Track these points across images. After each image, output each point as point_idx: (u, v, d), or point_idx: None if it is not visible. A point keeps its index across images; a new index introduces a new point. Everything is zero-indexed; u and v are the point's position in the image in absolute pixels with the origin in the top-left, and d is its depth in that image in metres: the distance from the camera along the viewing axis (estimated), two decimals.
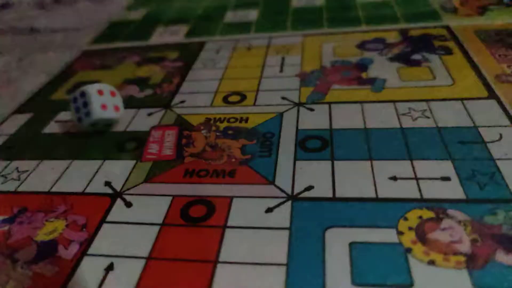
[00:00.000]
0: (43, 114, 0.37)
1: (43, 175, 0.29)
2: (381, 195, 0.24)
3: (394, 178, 0.25)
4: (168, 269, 0.21)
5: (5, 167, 0.31)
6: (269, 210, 0.24)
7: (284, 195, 0.25)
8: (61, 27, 0.59)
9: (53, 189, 0.28)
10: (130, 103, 0.37)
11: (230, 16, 0.54)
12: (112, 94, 0.33)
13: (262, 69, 0.39)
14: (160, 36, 0.51)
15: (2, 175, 0.30)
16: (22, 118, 0.37)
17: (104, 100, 0.32)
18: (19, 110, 0.39)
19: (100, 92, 0.32)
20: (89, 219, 0.25)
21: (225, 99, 0.35)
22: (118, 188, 0.27)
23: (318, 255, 0.21)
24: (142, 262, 0.22)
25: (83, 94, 0.32)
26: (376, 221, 0.22)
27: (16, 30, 0.60)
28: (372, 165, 0.26)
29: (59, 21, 0.61)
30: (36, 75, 0.46)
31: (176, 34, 0.51)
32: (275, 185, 0.26)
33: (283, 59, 0.41)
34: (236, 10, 0.56)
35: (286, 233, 0.22)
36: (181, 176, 0.27)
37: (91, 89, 0.31)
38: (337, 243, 0.21)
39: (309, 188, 0.25)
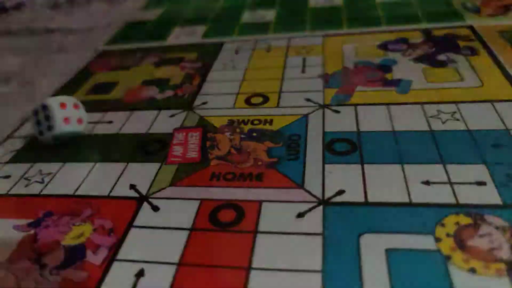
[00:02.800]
0: None
1: (67, 178, 0.29)
2: (415, 200, 0.23)
3: (427, 183, 0.24)
4: (201, 275, 0.21)
5: (28, 169, 0.30)
6: (300, 215, 0.23)
7: (314, 199, 0.24)
8: (76, 28, 0.59)
9: (78, 192, 0.28)
10: (151, 104, 0.37)
11: (248, 16, 0.54)
12: (75, 107, 0.32)
13: (283, 70, 0.39)
14: (177, 37, 0.51)
15: (26, 178, 0.30)
16: None
17: (67, 114, 0.31)
18: None
19: (62, 106, 0.31)
20: (116, 223, 0.25)
21: (248, 101, 0.35)
22: (144, 192, 0.27)
23: (355, 262, 0.20)
24: (173, 268, 0.21)
25: (45, 107, 0.31)
26: (412, 227, 0.22)
27: (32, 31, 0.60)
28: (403, 169, 0.26)
29: (75, 22, 0.61)
30: (53, 76, 0.46)
31: (193, 35, 0.50)
32: (305, 189, 0.25)
33: (304, 60, 0.40)
34: (253, 10, 0.55)
35: (319, 238, 0.22)
36: (208, 179, 0.27)
37: (53, 102, 0.31)
38: (373, 250, 0.21)
39: (341, 192, 0.24)
